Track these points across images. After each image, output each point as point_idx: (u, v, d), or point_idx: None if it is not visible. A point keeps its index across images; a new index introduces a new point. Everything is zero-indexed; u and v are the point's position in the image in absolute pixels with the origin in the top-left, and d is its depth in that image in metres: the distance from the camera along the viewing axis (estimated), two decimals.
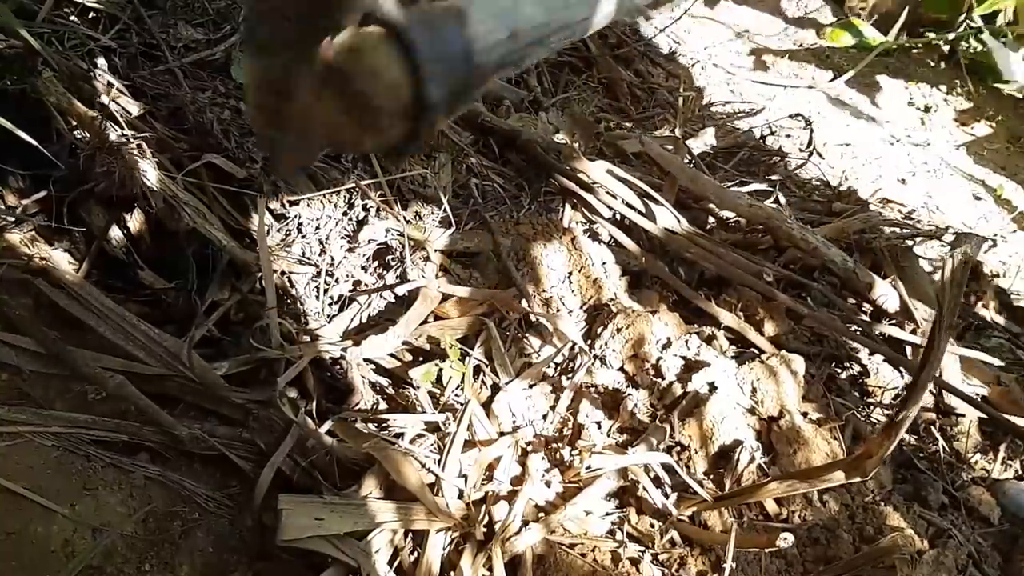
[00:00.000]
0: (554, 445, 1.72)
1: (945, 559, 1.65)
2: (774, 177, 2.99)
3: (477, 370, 1.80)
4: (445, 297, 1.85)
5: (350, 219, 1.87)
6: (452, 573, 1.48)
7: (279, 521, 1.40)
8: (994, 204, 3.42)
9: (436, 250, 1.94)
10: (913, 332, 2.22)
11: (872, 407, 2.05)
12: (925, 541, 1.70)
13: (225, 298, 1.72)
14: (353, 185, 1.89)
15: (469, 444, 1.65)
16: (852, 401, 2.03)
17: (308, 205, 1.82)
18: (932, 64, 4.57)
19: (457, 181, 2.18)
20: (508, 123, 2.42)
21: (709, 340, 1.98)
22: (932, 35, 4.56)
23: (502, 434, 1.69)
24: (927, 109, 4.09)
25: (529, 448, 1.69)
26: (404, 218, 1.91)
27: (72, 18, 1.99)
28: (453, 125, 2.30)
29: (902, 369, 2.15)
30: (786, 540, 1.44)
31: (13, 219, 1.64)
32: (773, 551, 1.58)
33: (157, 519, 1.46)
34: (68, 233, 1.72)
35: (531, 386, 1.81)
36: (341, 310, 1.81)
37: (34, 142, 1.56)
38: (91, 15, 2.04)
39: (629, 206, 2.25)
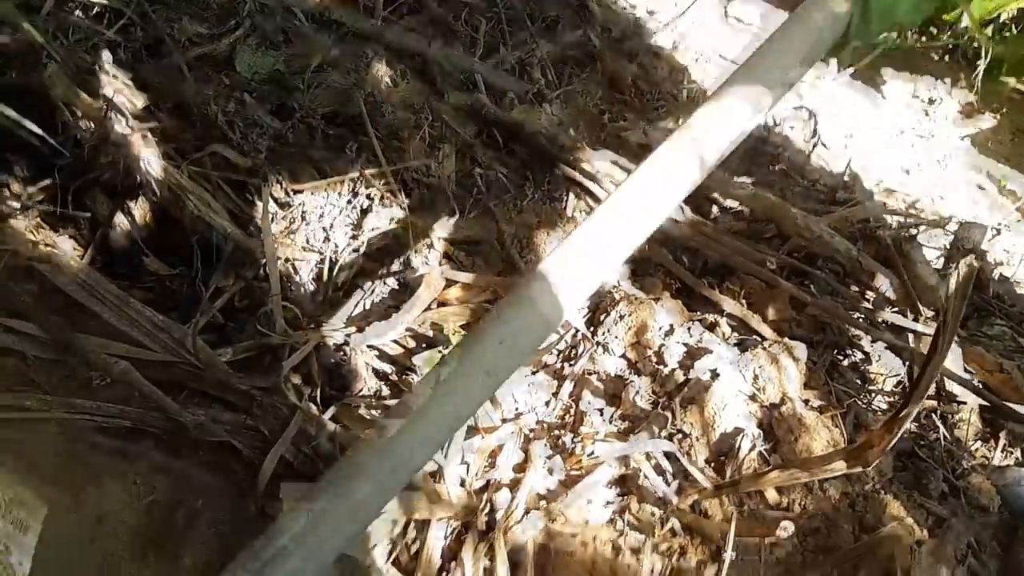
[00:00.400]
0: (556, 432, 1.72)
1: (945, 548, 1.65)
2: (778, 167, 2.99)
3: None
4: (449, 284, 1.86)
5: (354, 207, 1.88)
6: (453, 563, 1.48)
7: (280, 510, 1.40)
8: (998, 195, 3.41)
9: (440, 238, 1.94)
10: (915, 320, 2.22)
11: (874, 395, 2.04)
12: (925, 530, 1.70)
13: (229, 284, 1.73)
14: (357, 175, 1.90)
15: (472, 431, 1.65)
16: (854, 388, 2.03)
17: (312, 194, 1.82)
18: (936, 59, 4.56)
19: (461, 171, 2.18)
20: (512, 115, 2.42)
21: (711, 327, 1.98)
22: (935, 31, 4.56)
23: (504, 421, 1.70)
24: (931, 102, 4.08)
25: (531, 435, 1.69)
26: (408, 207, 1.92)
27: (77, 12, 2.01)
28: (456, 116, 2.30)
29: (904, 357, 2.15)
30: (785, 530, 1.44)
31: (18, 206, 1.65)
32: (773, 541, 1.58)
33: (161, 508, 1.46)
34: (73, 221, 1.73)
35: (533, 373, 1.82)
36: (345, 296, 1.81)
37: (39, 131, 1.57)
38: (95, 10, 2.06)
39: None
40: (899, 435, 1.23)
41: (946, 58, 4.58)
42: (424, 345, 1.79)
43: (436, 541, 1.49)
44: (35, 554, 1.27)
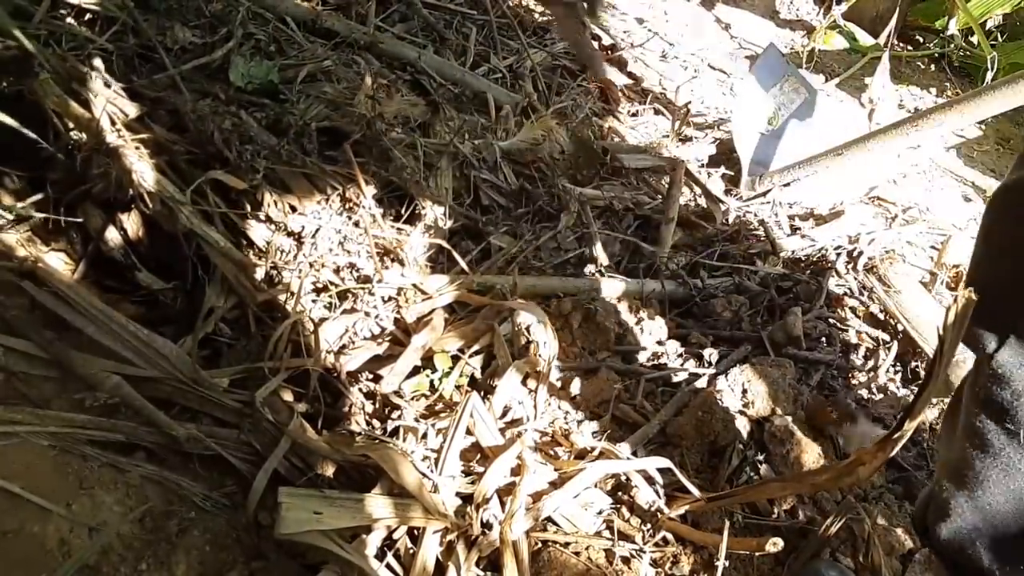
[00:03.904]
0: (549, 442, 1.73)
1: (936, 558, 1.67)
2: None
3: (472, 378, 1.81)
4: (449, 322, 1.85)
5: (350, 224, 1.87)
6: (448, 571, 1.49)
7: (279, 514, 1.40)
8: (983, 205, 3.44)
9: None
10: (900, 336, 2.25)
11: (862, 408, 2.07)
12: (916, 540, 1.72)
13: (221, 304, 1.72)
14: (353, 192, 1.90)
15: (469, 438, 1.66)
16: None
17: (308, 212, 1.82)
18: (922, 67, 4.61)
19: (456, 188, 2.18)
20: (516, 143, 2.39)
21: (701, 341, 2.00)
22: (921, 39, 4.61)
23: (504, 430, 1.70)
24: (917, 112, 4.11)
25: (531, 448, 1.70)
26: (400, 230, 1.91)
27: (69, 20, 2.00)
28: (451, 132, 2.29)
29: (890, 372, 2.18)
30: (776, 545, 1.45)
31: (10, 219, 1.64)
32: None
33: (154, 518, 1.46)
34: (65, 234, 1.72)
35: (523, 382, 1.82)
36: (330, 311, 1.81)
37: (34, 136, 1.56)
38: (87, 16, 2.05)
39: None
40: (890, 455, 1.25)
41: (932, 67, 4.64)
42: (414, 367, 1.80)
43: (431, 549, 1.49)
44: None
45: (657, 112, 3.18)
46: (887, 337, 2.30)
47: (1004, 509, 1.27)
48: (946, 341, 1.10)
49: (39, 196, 1.70)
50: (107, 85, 1.79)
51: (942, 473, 1.40)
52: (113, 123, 1.71)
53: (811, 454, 1.76)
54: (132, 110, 1.80)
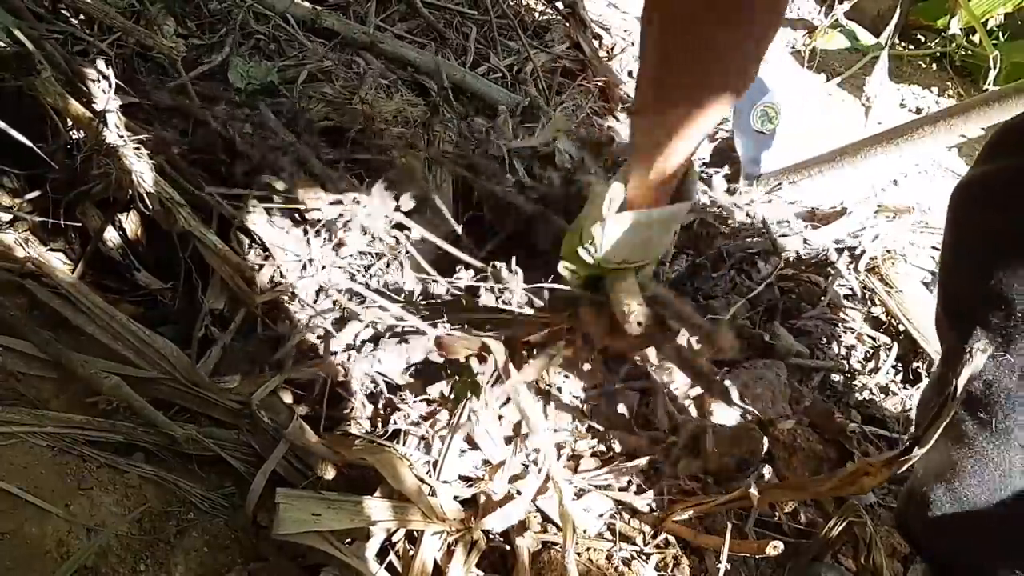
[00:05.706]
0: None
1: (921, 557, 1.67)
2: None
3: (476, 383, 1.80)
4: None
5: (349, 223, 1.86)
6: (448, 573, 1.48)
7: (276, 515, 1.39)
8: None
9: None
10: (901, 336, 2.25)
11: (865, 412, 2.06)
12: None
13: (221, 307, 1.72)
14: (356, 193, 1.89)
15: (471, 443, 1.65)
16: (844, 407, 2.05)
17: (313, 212, 1.81)
18: (924, 66, 4.60)
19: (457, 190, 2.17)
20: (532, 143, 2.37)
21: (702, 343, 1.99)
22: (922, 38, 4.60)
23: (508, 439, 1.69)
24: (919, 111, 4.11)
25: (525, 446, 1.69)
26: (404, 228, 1.90)
27: (72, 20, 1.99)
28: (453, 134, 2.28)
29: (891, 372, 2.18)
30: (776, 548, 1.45)
31: (8, 219, 1.63)
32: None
33: (152, 519, 1.45)
34: (64, 234, 1.71)
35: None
36: (335, 312, 1.80)
37: (29, 143, 1.56)
38: (89, 15, 2.04)
39: None
40: (897, 471, 1.24)
41: (933, 66, 4.63)
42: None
43: (429, 552, 1.48)
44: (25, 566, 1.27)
45: None
46: (888, 338, 2.30)
47: (980, 500, 1.28)
48: (963, 371, 1.10)
49: (37, 194, 1.69)
50: (107, 85, 1.78)
51: (920, 467, 1.41)
52: (113, 123, 1.70)
53: (814, 458, 1.75)
54: (132, 110, 1.79)
